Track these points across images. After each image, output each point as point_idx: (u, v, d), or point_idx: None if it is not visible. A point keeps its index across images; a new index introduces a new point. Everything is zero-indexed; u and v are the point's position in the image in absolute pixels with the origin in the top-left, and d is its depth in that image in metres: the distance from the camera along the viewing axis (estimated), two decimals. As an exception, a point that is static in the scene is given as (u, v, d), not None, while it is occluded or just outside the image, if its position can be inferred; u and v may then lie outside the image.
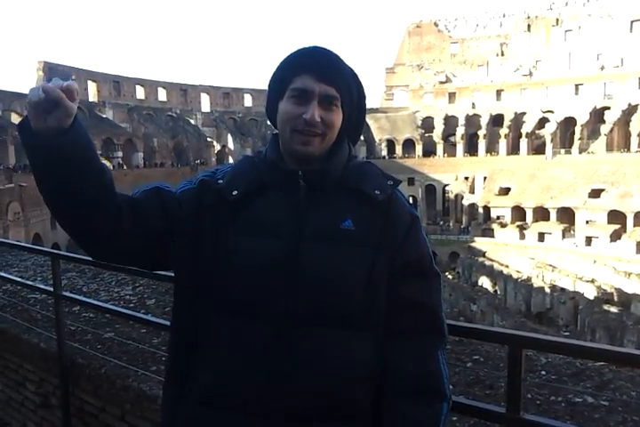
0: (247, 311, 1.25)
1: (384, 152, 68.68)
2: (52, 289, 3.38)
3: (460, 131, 65.87)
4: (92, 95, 58.97)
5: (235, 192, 1.32)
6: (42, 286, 3.89)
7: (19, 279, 4.35)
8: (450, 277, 43.37)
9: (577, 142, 58.51)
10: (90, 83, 58.89)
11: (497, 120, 64.70)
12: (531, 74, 65.48)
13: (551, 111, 61.35)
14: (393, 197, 1.34)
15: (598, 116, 58.42)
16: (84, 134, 1.22)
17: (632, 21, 58.07)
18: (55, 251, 3.68)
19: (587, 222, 47.87)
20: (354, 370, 1.24)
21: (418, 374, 1.29)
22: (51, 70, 54.04)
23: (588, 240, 46.11)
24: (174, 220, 1.34)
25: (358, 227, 1.27)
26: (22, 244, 5.23)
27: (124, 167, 51.46)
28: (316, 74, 1.28)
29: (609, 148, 56.37)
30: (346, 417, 1.25)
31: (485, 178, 58.82)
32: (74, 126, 1.19)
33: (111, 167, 49.20)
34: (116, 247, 1.32)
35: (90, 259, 3.65)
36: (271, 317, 1.23)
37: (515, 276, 40.80)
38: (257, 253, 1.26)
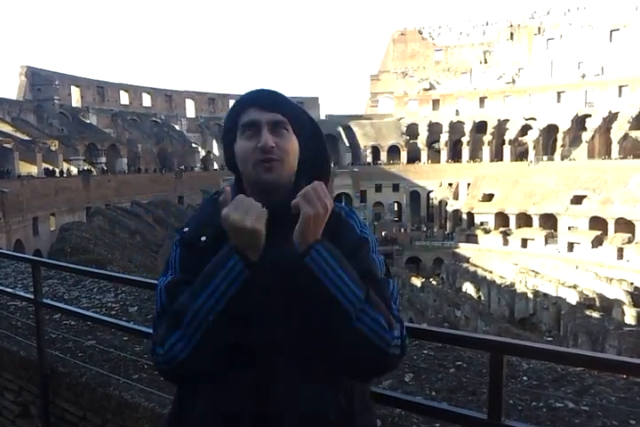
0: (231, 361, 1.29)
1: (369, 158, 68.95)
2: (32, 296, 3.34)
3: (444, 137, 66.42)
4: (76, 100, 58.52)
5: (203, 238, 1.35)
6: (22, 294, 3.84)
7: (-2, 287, 4.29)
8: (434, 282, 43.51)
9: (559, 149, 59.27)
10: (73, 88, 58.46)
11: (480, 127, 65.35)
12: (513, 81, 66.31)
13: (534, 118, 62.12)
14: (345, 224, 1.38)
15: (580, 123, 59.28)
16: None
17: (611, 31, 59.17)
18: (36, 258, 3.64)
19: (569, 228, 48.41)
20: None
21: None
22: (33, 75, 53.58)
23: (570, 246, 46.63)
24: None
25: None
26: (2, 250, 5.16)
27: (108, 173, 51.03)
28: (259, 105, 1.36)
29: (590, 154, 57.18)
30: None
31: (469, 184, 59.30)
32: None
33: (95, 173, 48.80)
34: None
35: (71, 265, 3.61)
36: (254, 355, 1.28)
37: (498, 281, 41.06)
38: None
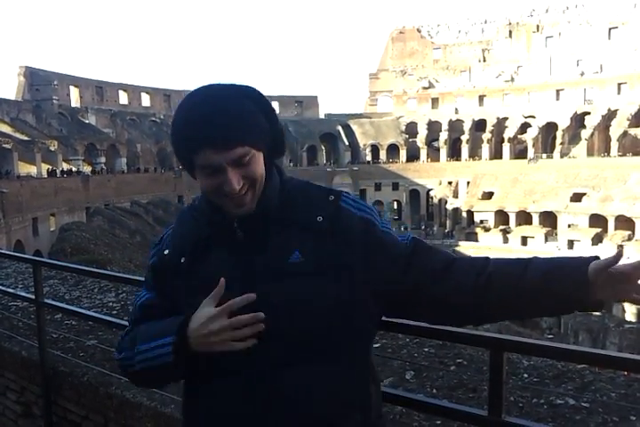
0: (220, 367, 1.22)
1: (368, 157, 68.96)
2: (33, 297, 3.35)
3: (444, 136, 66.42)
4: (75, 100, 58.48)
5: (182, 259, 1.28)
6: (23, 294, 3.85)
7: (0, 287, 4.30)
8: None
9: (558, 147, 59.30)
10: (72, 88, 58.42)
11: (479, 125, 65.35)
12: (512, 79, 66.30)
13: (533, 116, 62.13)
14: (339, 210, 1.27)
15: (579, 121, 59.30)
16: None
17: (610, 28, 59.20)
18: (37, 258, 3.64)
19: (569, 226, 48.43)
20: (340, 399, 1.22)
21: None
22: (32, 75, 53.54)
23: (570, 244, 46.65)
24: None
25: (307, 256, 1.21)
26: (3, 251, 5.17)
27: (108, 173, 50.99)
28: (213, 147, 1.14)
29: (589, 152, 57.21)
30: None
31: (469, 182, 59.31)
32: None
33: (94, 173, 48.77)
34: None
35: (72, 266, 3.62)
36: (243, 366, 1.21)
37: (499, 279, 41.10)
38: None
